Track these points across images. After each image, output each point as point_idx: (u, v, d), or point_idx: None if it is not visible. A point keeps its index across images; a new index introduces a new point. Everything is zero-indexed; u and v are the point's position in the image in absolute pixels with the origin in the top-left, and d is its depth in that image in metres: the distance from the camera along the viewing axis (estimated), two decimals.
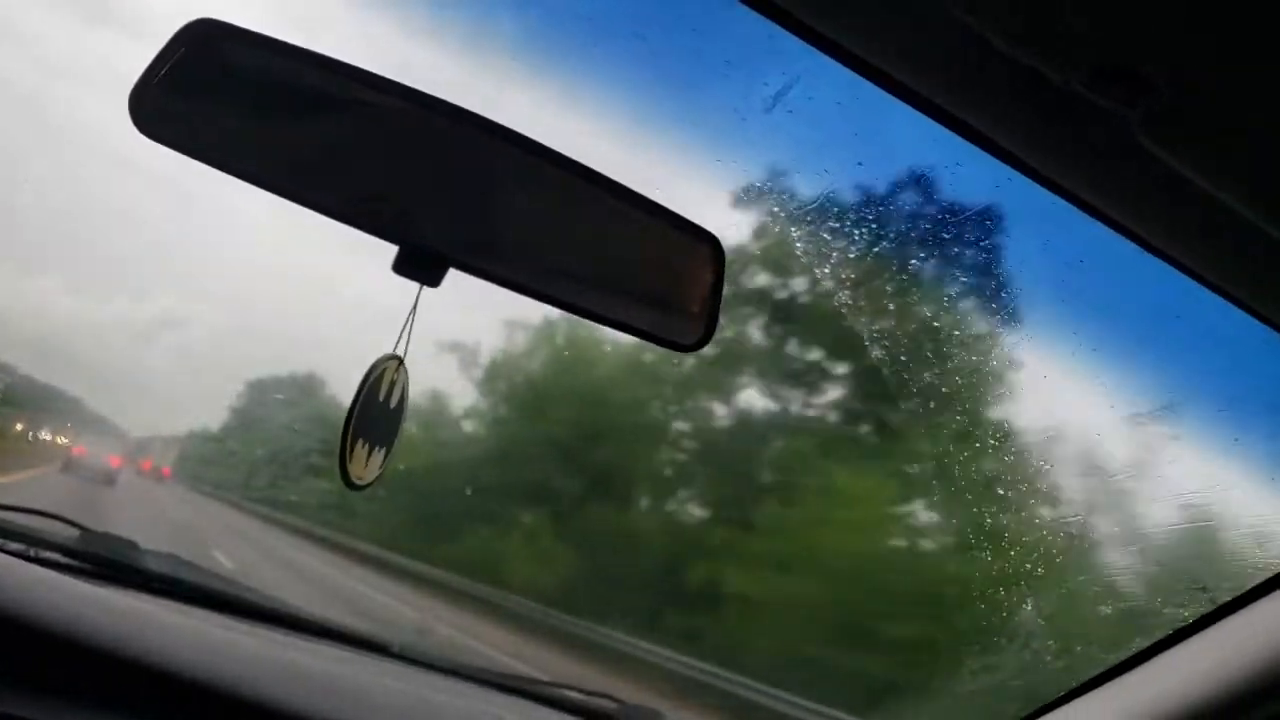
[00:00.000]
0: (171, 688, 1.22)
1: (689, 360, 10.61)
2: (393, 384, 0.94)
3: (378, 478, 0.93)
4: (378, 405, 0.93)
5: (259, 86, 0.88)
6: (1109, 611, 1.81)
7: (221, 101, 0.88)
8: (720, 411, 12.82)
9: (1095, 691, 1.36)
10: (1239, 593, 1.25)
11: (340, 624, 1.97)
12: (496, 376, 16.07)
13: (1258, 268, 0.86)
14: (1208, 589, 1.35)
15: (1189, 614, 1.29)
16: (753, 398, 12.54)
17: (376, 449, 0.93)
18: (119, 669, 1.21)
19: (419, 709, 1.53)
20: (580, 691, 2.01)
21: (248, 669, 1.29)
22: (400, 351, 0.94)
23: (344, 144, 0.91)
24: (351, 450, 0.89)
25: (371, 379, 0.91)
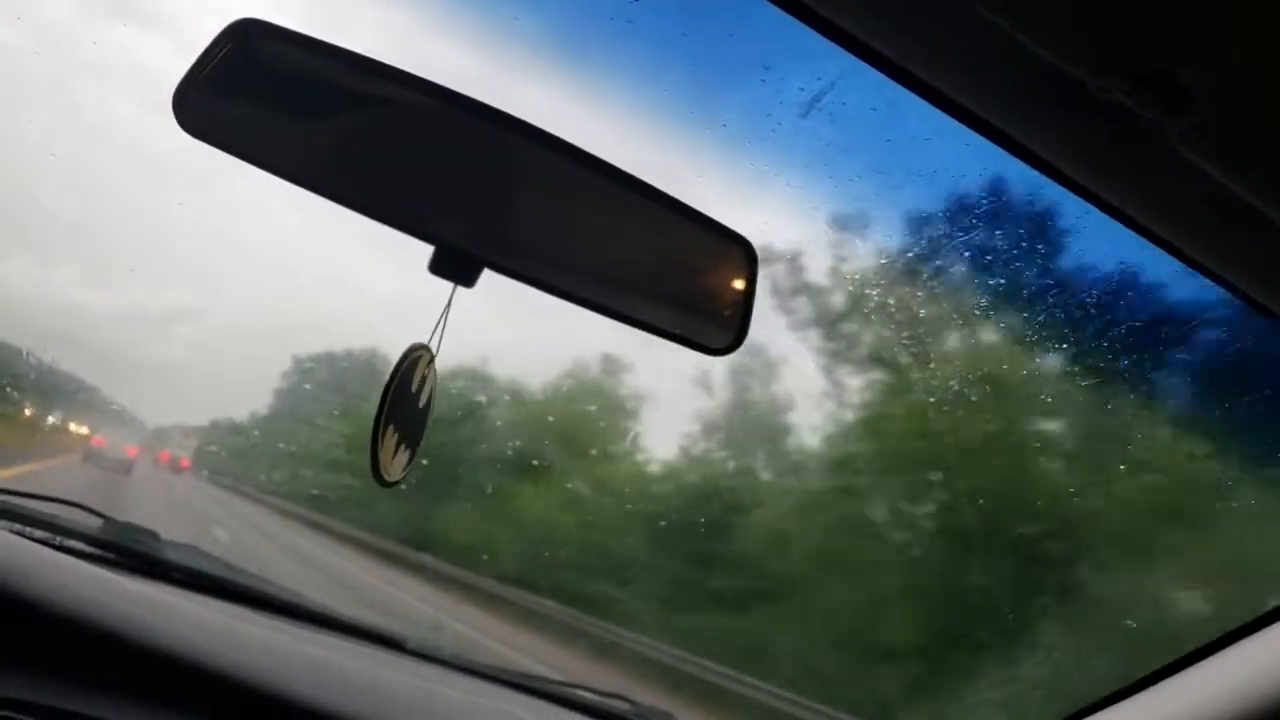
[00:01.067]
0: (192, 677, 1.23)
1: None
2: (423, 379, 0.94)
3: (404, 476, 0.93)
4: (409, 396, 0.93)
5: (300, 85, 0.89)
6: None
7: (263, 100, 0.89)
8: None
9: (1112, 708, 1.35)
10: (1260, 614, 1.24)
11: (356, 619, 1.98)
12: None
13: None
14: None
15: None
16: None
17: (403, 446, 0.93)
18: (141, 657, 1.22)
19: (434, 706, 1.54)
20: (593, 692, 2.01)
21: (267, 661, 1.30)
22: (434, 349, 0.94)
23: (381, 143, 0.92)
24: (383, 437, 0.90)
25: (405, 365, 0.91)
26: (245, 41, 0.83)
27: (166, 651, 1.23)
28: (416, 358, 0.92)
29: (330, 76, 0.87)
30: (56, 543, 1.65)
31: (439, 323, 0.92)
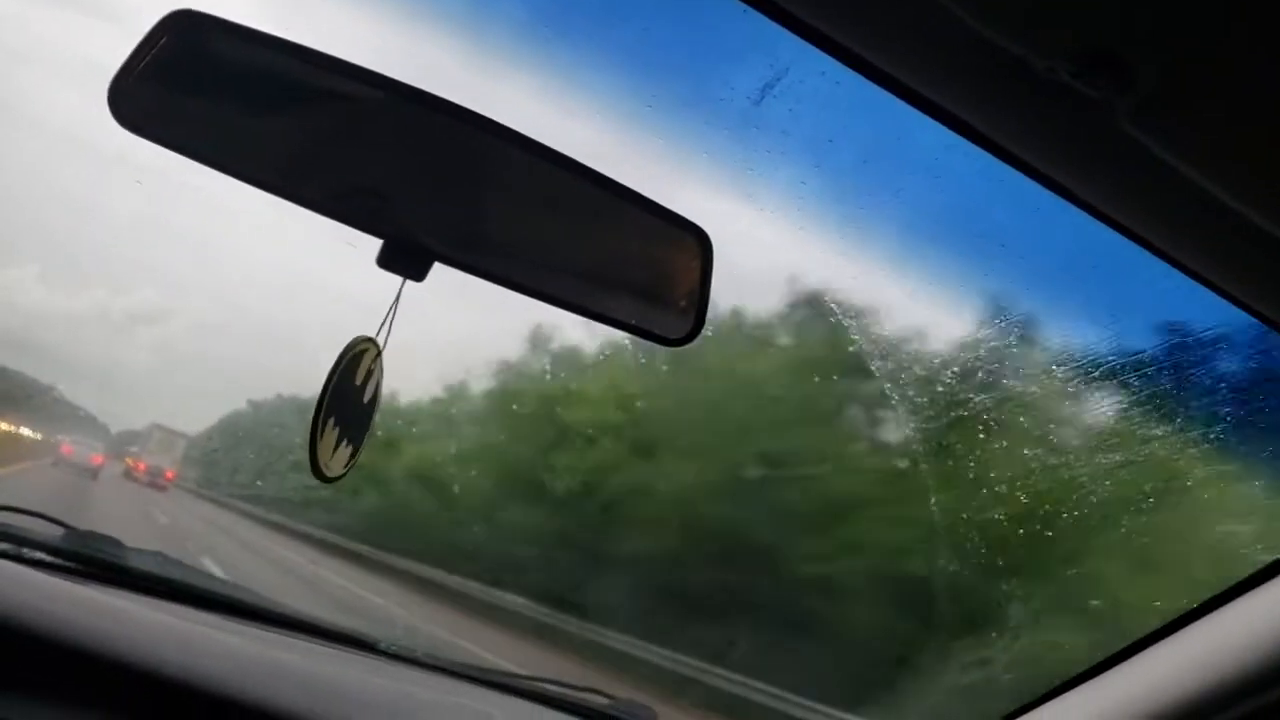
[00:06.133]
0: (154, 686, 1.21)
1: None
2: (369, 373, 0.93)
3: (346, 472, 0.92)
4: (353, 391, 0.91)
5: (240, 79, 0.87)
6: None
7: (202, 94, 0.87)
8: None
9: (1079, 688, 1.36)
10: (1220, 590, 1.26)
11: (327, 621, 1.96)
12: None
13: (1246, 258, 0.86)
14: None
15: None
16: None
17: (346, 442, 0.91)
18: (103, 668, 1.20)
19: (405, 706, 1.53)
20: (569, 687, 2.00)
21: (231, 667, 1.28)
22: (380, 343, 0.93)
23: (328, 137, 0.90)
24: (322, 431, 0.88)
25: (347, 358, 0.90)
26: (183, 33, 0.82)
27: (129, 661, 1.22)
28: (361, 351, 0.91)
29: (271, 68, 0.85)
30: (15, 554, 1.62)
31: (387, 317, 0.91)
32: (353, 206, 0.88)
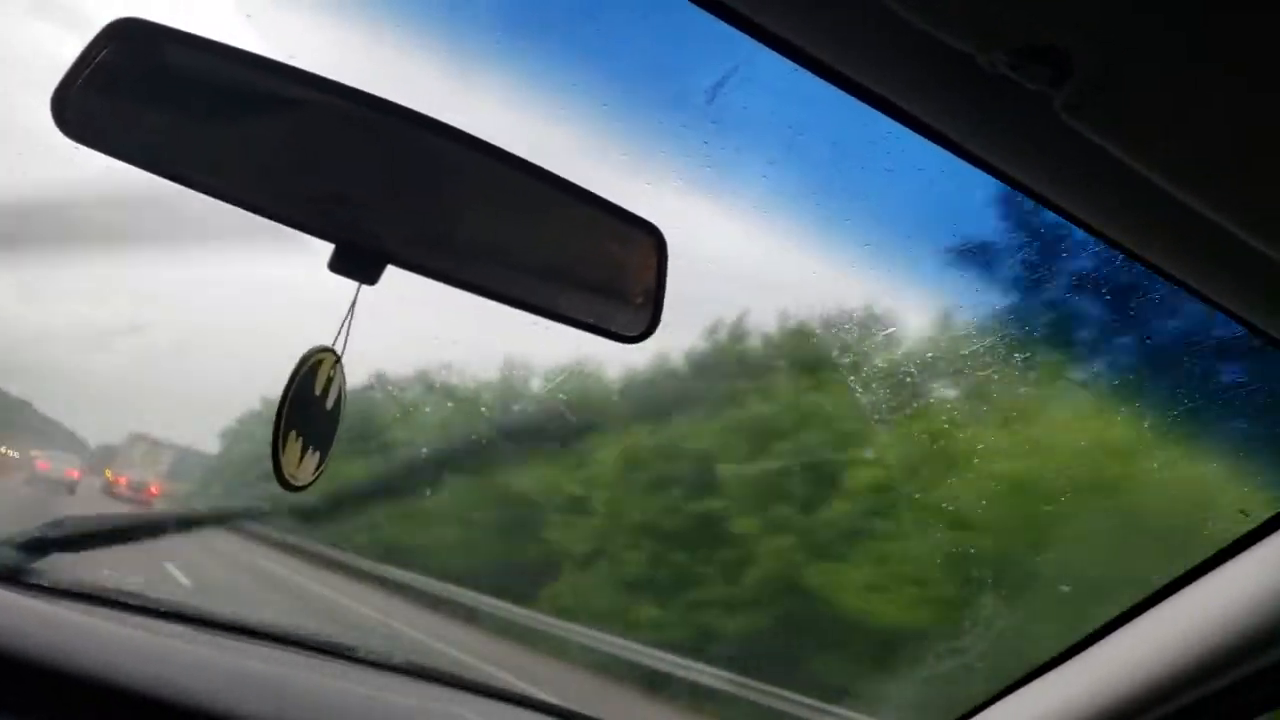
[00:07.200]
0: (123, 701, 1.20)
1: None
2: (329, 381, 0.93)
3: (315, 479, 0.91)
4: (313, 400, 0.91)
5: (187, 86, 0.86)
6: None
7: (148, 102, 0.86)
8: None
9: (1025, 688, 1.38)
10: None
11: (302, 630, 1.95)
12: None
13: (1183, 240, 0.88)
14: None
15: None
16: None
17: (311, 450, 0.91)
18: (71, 685, 1.19)
19: (378, 711, 1.52)
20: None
21: (199, 678, 1.28)
22: (339, 349, 0.92)
23: (277, 143, 0.90)
24: (284, 443, 0.88)
25: (304, 369, 0.90)
26: (126, 42, 0.81)
27: (96, 677, 1.21)
28: (317, 361, 0.91)
29: (218, 75, 0.85)
30: None
31: (344, 323, 0.91)
32: (303, 211, 0.87)
